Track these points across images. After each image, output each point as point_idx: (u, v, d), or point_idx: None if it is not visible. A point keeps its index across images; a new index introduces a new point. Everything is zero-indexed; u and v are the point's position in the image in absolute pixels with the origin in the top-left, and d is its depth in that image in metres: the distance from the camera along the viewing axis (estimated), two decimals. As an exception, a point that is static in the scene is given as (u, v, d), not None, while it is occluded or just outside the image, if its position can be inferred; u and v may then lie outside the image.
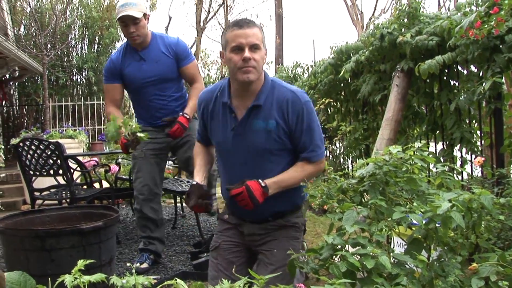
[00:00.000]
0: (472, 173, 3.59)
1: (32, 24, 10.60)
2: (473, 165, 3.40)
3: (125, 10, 2.97)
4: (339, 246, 1.54)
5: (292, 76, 8.75)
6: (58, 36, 10.41)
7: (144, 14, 3.06)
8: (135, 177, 3.29)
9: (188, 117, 3.12)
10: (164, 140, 3.25)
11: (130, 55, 3.17)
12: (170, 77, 3.21)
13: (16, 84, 11.90)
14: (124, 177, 5.07)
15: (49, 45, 9.57)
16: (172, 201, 5.25)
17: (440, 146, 3.91)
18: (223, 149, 2.03)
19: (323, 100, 5.78)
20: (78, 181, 4.60)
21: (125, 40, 3.26)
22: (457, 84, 3.72)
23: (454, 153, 3.64)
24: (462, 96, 3.48)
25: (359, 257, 1.45)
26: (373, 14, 16.59)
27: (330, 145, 6.99)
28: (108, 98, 3.26)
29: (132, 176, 3.35)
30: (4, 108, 11.54)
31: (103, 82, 3.32)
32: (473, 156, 3.41)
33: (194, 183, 2.04)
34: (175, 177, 5.07)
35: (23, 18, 11.49)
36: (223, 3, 12.37)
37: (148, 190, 3.23)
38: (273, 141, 1.90)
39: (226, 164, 2.07)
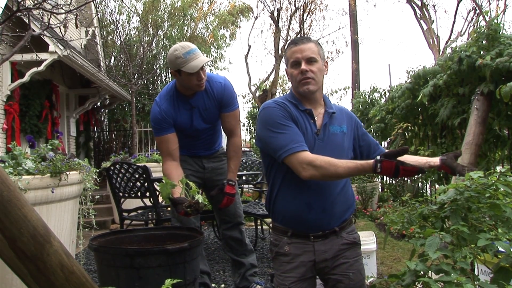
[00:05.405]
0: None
1: (122, 55, 11.47)
2: None
3: (196, 58, 2.76)
4: (422, 273, 1.54)
5: (369, 101, 8.64)
6: (145, 66, 11.07)
7: None
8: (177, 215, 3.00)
9: (233, 183, 2.97)
10: (197, 168, 3.18)
11: (180, 103, 2.96)
12: (219, 123, 3.14)
13: (106, 111, 12.93)
14: (206, 200, 5.27)
15: (136, 75, 10.13)
16: (253, 223, 5.37)
17: (524, 170, 3.72)
18: None
19: (401, 124, 5.70)
20: (163, 203, 4.84)
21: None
22: (541, 106, 3.56)
23: (541, 178, 3.44)
24: (548, 118, 3.33)
25: (442, 284, 1.44)
26: (449, 38, 15.97)
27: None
28: (164, 151, 2.95)
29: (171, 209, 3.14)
30: (96, 134, 12.52)
31: (154, 135, 3.05)
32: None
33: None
34: (256, 200, 5.20)
35: (113, 50, 12.47)
36: (300, 31, 12.57)
37: (187, 221, 3.06)
38: (347, 141, 2.07)
39: None
